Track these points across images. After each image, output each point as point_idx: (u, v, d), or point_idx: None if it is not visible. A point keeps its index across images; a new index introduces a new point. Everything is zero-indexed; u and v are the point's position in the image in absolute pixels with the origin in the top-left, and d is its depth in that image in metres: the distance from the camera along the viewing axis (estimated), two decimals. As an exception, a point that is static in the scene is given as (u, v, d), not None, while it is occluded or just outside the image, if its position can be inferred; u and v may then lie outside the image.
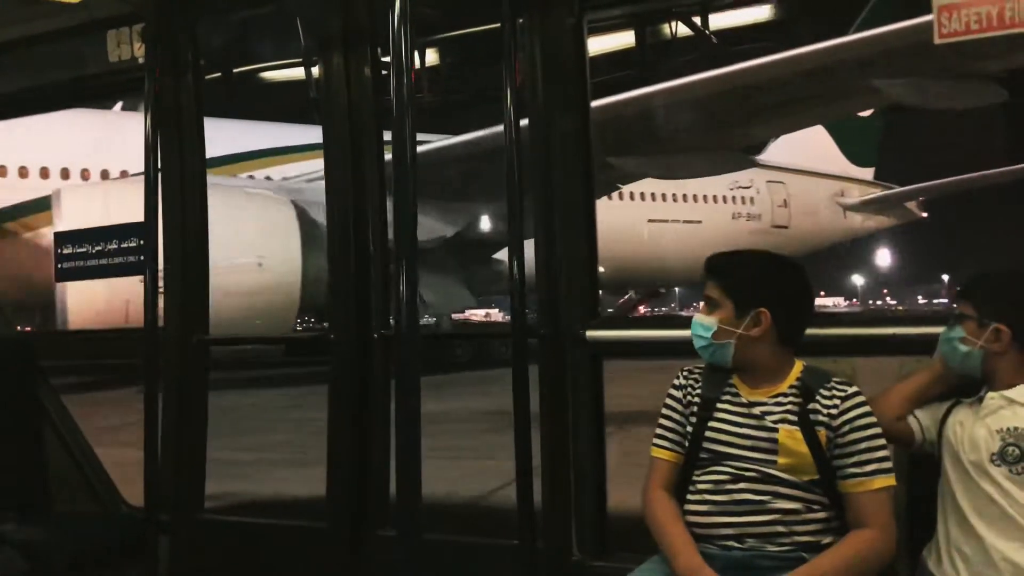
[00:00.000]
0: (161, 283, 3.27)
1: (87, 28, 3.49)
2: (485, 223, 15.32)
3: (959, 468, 1.91)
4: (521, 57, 2.72)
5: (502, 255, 15.92)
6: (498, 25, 2.58)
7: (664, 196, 20.02)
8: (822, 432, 1.90)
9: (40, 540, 3.05)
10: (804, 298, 2.07)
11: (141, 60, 3.35)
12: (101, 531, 3.39)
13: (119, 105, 20.24)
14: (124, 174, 16.34)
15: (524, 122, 2.72)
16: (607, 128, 12.45)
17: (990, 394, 1.94)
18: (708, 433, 1.99)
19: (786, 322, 1.99)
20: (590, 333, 2.67)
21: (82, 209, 12.13)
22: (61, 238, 3.61)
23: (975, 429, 1.91)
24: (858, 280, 65.71)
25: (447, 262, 15.01)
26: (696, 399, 2.04)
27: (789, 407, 1.94)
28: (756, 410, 1.96)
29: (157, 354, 3.25)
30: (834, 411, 1.91)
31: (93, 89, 3.95)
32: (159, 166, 3.25)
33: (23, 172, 15.62)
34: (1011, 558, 1.79)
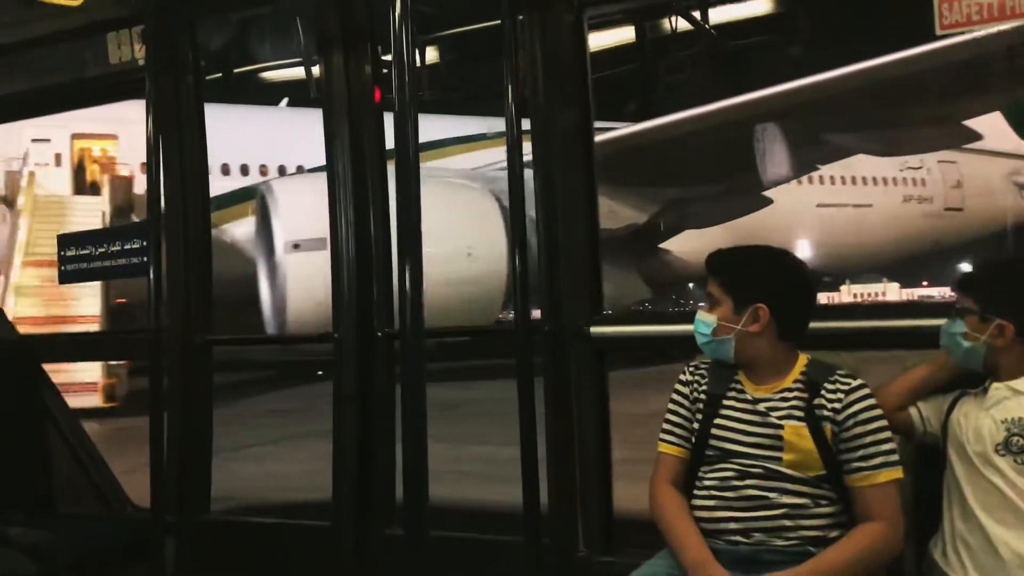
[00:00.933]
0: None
1: (87, 30, 3.49)
2: (658, 210, 14.90)
3: (964, 459, 1.90)
4: (522, 54, 2.72)
5: (669, 245, 15.84)
6: (498, 22, 2.58)
7: (832, 179, 18.68)
8: (828, 427, 1.89)
9: (46, 542, 3.05)
10: (803, 292, 2.06)
11: (142, 62, 3.36)
12: (107, 532, 3.40)
13: (284, 101, 20.58)
14: (300, 168, 16.47)
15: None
16: (828, 103, 12.36)
17: (995, 384, 1.93)
18: (714, 430, 1.98)
19: (786, 317, 1.98)
20: (594, 329, 2.68)
21: (295, 201, 12.36)
22: (64, 240, 3.61)
23: (980, 420, 1.91)
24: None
25: (619, 253, 14.53)
26: (702, 395, 2.03)
27: (794, 402, 1.93)
28: (761, 406, 1.96)
29: (161, 355, 3.26)
30: (838, 405, 1.90)
31: (94, 91, 3.95)
32: (161, 167, 3.25)
33: (225, 169, 15.88)
34: (1016, 548, 1.79)
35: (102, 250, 3.48)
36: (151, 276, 3.20)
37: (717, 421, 1.98)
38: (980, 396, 1.96)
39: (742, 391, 2.00)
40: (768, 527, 1.88)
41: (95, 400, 10.68)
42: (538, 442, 2.60)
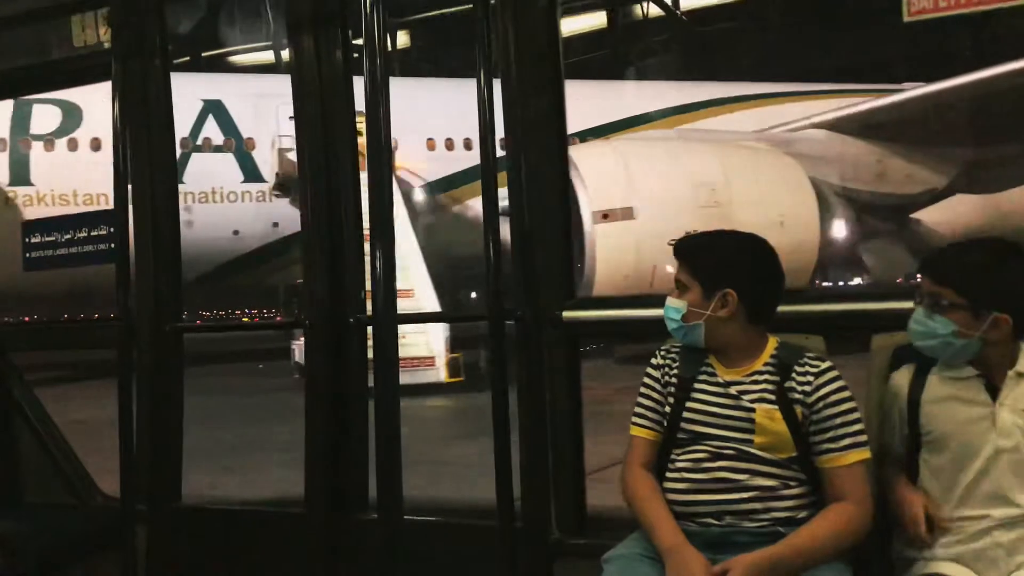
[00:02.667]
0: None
1: (50, 12, 3.42)
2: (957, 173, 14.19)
3: (974, 451, 1.84)
4: (495, 38, 2.71)
5: (921, 214, 15.23)
6: (471, 6, 2.57)
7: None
8: (798, 409, 1.92)
9: (13, 533, 3.02)
10: (771, 276, 2.07)
11: (107, 44, 3.30)
12: (77, 522, 3.36)
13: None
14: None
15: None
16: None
17: (1009, 373, 1.85)
18: (686, 413, 2.00)
19: (754, 301, 2.00)
20: (567, 314, 2.68)
21: (598, 170, 12.16)
22: (28, 227, 3.55)
23: (1000, 414, 1.83)
24: None
25: (873, 222, 14.24)
26: (674, 379, 2.05)
27: (765, 385, 1.96)
28: (733, 389, 1.98)
29: (131, 343, 3.22)
30: (808, 388, 1.93)
31: (59, 75, 3.88)
32: (128, 153, 3.20)
33: (449, 144, 15.78)
34: None
35: (68, 237, 3.43)
36: (118, 263, 3.16)
37: (689, 404, 2.00)
38: (973, 384, 1.88)
39: (713, 374, 2.02)
40: (739, 509, 1.91)
41: (438, 375, 10.41)
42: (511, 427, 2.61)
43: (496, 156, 2.62)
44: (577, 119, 16.38)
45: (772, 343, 2.03)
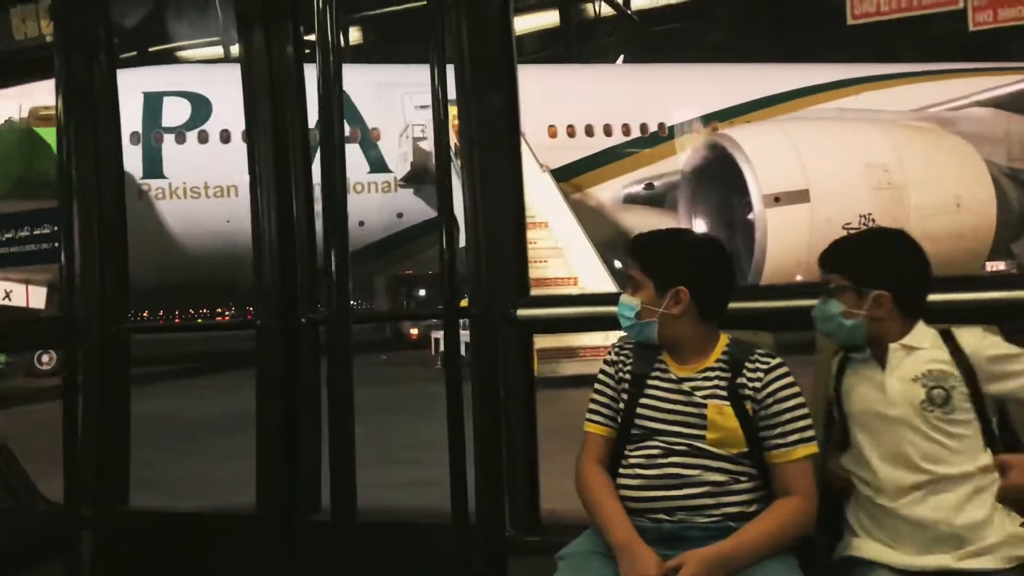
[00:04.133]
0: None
1: (-11, 3, 3.33)
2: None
3: (869, 426, 1.96)
4: (448, 35, 2.70)
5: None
6: (425, 3, 2.56)
7: None
8: (749, 405, 1.95)
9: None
10: (722, 273, 2.11)
11: (50, 38, 3.21)
12: (18, 528, 3.28)
13: (621, 58, 19.52)
14: (662, 127, 15.97)
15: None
16: None
17: (892, 345, 1.99)
18: (639, 410, 2.02)
19: (706, 298, 2.03)
20: (521, 312, 2.69)
21: (767, 151, 11.61)
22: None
23: (890, 385, 1.96)
24: None
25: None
26: (627, 375, 2.06)
27: (717, 382, 1.98)
28: (686, 386, 2.00)
29: (77, 345, 3.15)
30: (758, 384, 1.96)
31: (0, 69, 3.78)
32: (73, 148, 3.13)
33: (570, 131, 15.33)
34: (965, 519, 1.84)
35: (9, 235, 3.33)
36: (63, 262, 3.09)
37: (642, 401, 2.02)
38: (869, 362, 2.01)
39: (666, 371, 2.04)
40: (691, 505, 1.92)
41: None
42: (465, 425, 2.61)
43: (451, 153, 2.61)
44: (696, 102, 16.03)
45: (723, 340, 2.06)
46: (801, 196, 11.35)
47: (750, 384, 1.96)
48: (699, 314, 2.03)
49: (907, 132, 12.35)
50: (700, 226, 12.77)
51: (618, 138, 15.79)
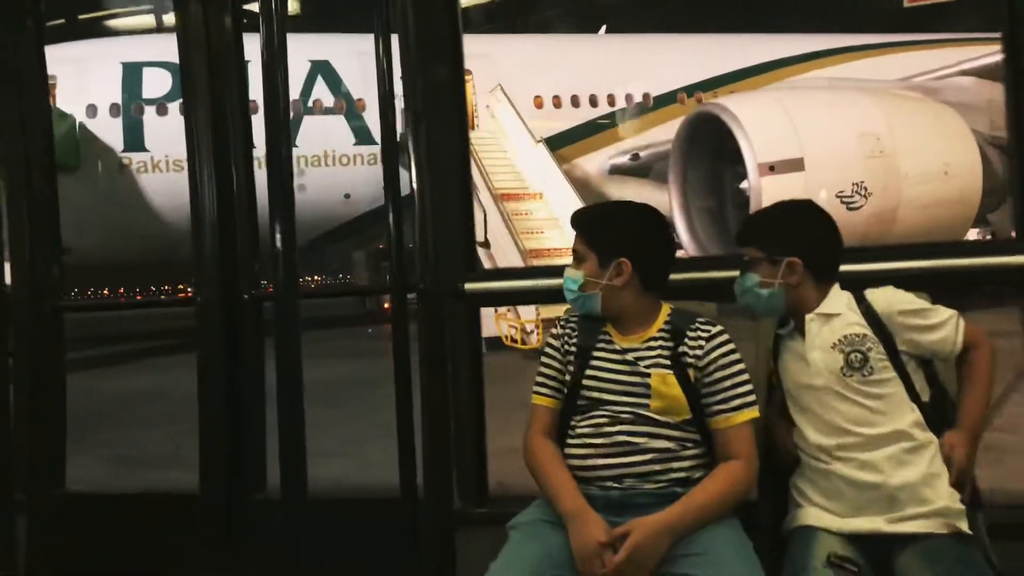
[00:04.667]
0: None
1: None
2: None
3: (804, 397, 2.01)
4: (392, 7, 2.66)
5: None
6: None
7: None
8: (691, 372, 1.98)
9: None
10: (663, 245, 2.14)
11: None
12: None
13: (604, 28, 18.97)
14: (647, 97, 15.79)
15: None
16: None
17: (808, 316, 2.05)
18: (585, 380, 2.04)
19: (647, 269, 2.06)
20: (469, 286, 2.69)
21: (761, 120, 11.45)
22: None
23: (811, 356, 2.01)
24: None
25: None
26: (573, 348, 2.09)
27: (660, 351, 2.02)
28: (630, 356, 2.03)
29: (7, 323, 3.04)
30: (700, 352, 1.99)
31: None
32: None
33: (556, 101, 15.20)
34: (902, 479, 1.89)
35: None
36: None
37: (588, 372, 2.04)
38: (793, 335, 2.08)
39: (611, 342, 2.07)
40: (638, 472, 1.96)
41: None
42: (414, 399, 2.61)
43: (396, 125, 2.58)
44: (680, 73, 16.07)
45: (666, 310, 2.09)
46: (796, 165, 11.44)
47: (691, 352, 2.00)
48: (641, 285, 2.06)
49: (897, 101, 12.46)
50: (692, 195, 12.86)
51: (603, 109, 15.85)
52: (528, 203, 12.89)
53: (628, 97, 15.96)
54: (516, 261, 11.09)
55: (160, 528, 3.02)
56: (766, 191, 11.24)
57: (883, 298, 2.03)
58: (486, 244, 12.34)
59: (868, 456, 1.91)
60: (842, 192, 11.32)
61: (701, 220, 12.72)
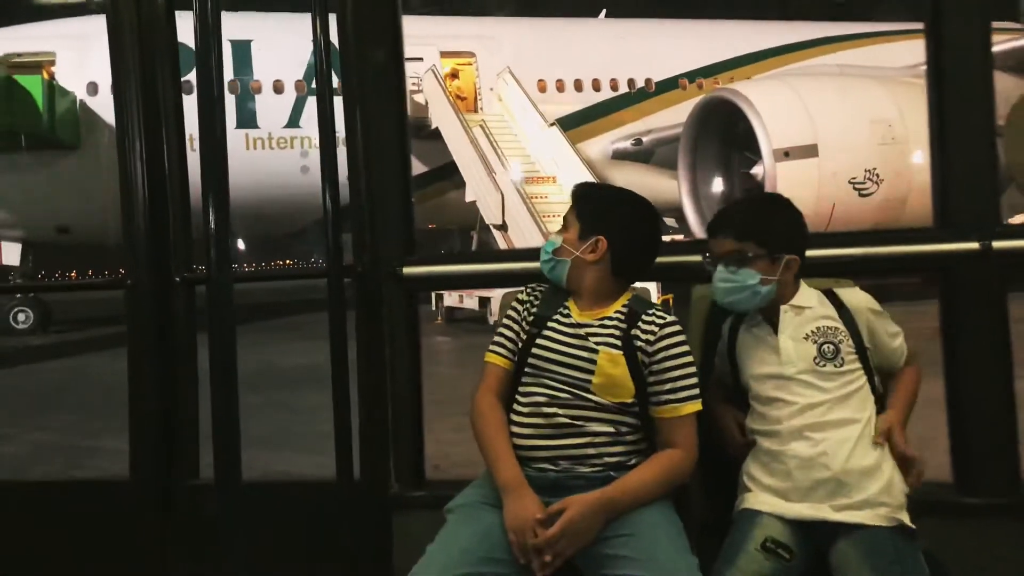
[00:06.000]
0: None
1: None
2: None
3: (771, 384, 2.05)
4: None
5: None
6: None
7: None
8: (640, 356, 2.02)
9: None
10: (645, 238, 2.17)
11: None
12: None
13: (603, 12, 18.17)
14: (649, 82, 15.69)
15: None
16: None
17: (782, 308, 2.09)
18: (535, 349, 2.07)
19: (623, 255, 2.10)
20: (407, 270, 2.67)
21: (775, 105, 11.23)
22: None
23: (784, 345, 2.05)
24: None
25: None
26: (532, 315, 2.13)
27: (612, 330, 2.05)
28: (582, 331, 2.06)
29: None
30: (651, 337, 2.03)
31: None
32: None
33: (559, 85, 15.10)
34: (854, 465, 1.94)
35: None
36: None
37: (539, 341, 2.08)
38: (760, 325, 2.11)
39: (568, 315, 2.11)
40: (574, 455, 1.98)
41: None
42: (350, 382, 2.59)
43: (333, 106, 2.55)
44: (681, 58, 16.18)
45: (627, 295, 2.13)
46: (810, 151, 11.51)
47: (643, 336, 2.03)
48: (612, 268, 2.10)
49: (907, 88, 12.59)
50: (700, 181, 12.91)
51: (606, 93, 16.01)
52: (541, 186, 12.87)
53: (630, 82, 16.13)
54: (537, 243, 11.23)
55: (90, 516, 2.93)
56: (781, 177, 11.36)
57: (853, 296, 2.10)
58: (504, 227, 12.27)
59: (823, 437, 1.96)
60: (855, 179, 11.54)
61: (710, 205, 12.76)
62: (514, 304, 2.19)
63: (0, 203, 13.26)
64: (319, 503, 2.72)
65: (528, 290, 2.20)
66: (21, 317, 14.04)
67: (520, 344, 2.11)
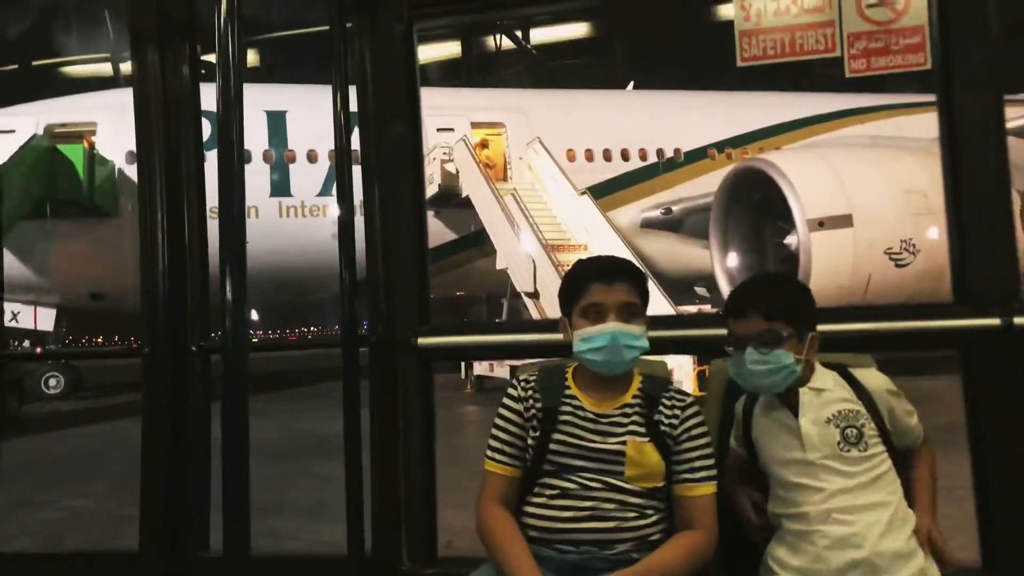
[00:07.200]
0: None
1: None
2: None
3: (794, 469, 1.97)
4: (351, 61, 2.68)
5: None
6: (327, 27, 2.54)
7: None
8: (667, 441, 1.97)
9: None
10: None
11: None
12: None
13: (631, 84, 19.01)
14: (677, 152, 16.01)
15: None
16: None
17: (801, 390, 2.01)
18: (553, 445, 1.98)
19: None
20: (421, 340, 2.66)
21: (808, 176, 11.38)
22: None
23: (806, 430, 1.98)
24: None
25: None
26: (538, 411, 2.03)
27: (635, 418, 1.99)
28: (604, 423, 1.99)
29: None
30: (675, 421, 1.98)
31: None
32: None
33: (588, 155, 15.64)
34: (885, 547, 1.86)
35: None
36: None
37: (556, 436, 1.98)
38: (778, 408, 2.03)
39: (580, 407, 2.02)
40: (599, 539, 1.92)
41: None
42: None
43: (352, 180, 2.59)
44: (709, 129, 16.45)
45: (638, 376, 2.07)
46: (844, 221, 11.42)
47: (667, 420, 1.98)
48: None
49: (939, 159, 12.84)
50: (732, 251, 12.92)
51: (635, 163, 16.17)
52: (572, 254, 12.96)
53: (659, 152, 16.33)
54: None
55: None
56: (816, 247, 11.22)
57: (871, 378, 2.03)
58: (535, 295, 12.34)
59: (854, 519, 1.89)
60: (890, 249, 11.31)
61: (742, 275, 12.54)
62: (507, 403, 2.07)
63: (39, 269, 13.59)
64: None
65: (522, 385, 2.08)
66: (52, 382, 14.25)
67: (528, 443, 2.02)
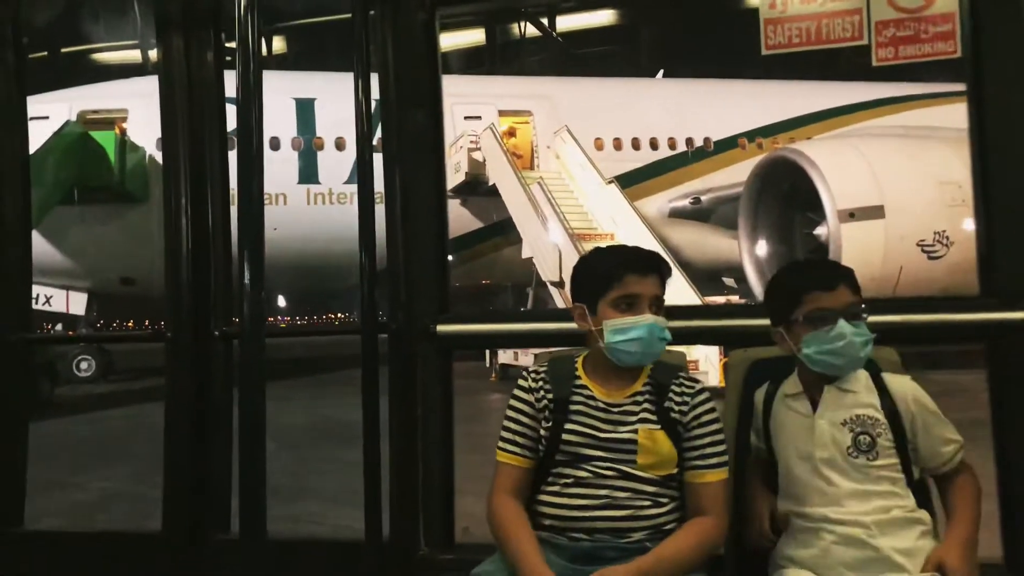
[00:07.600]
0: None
1: None
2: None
3: (802, 464, 1.95)
4: (373, 49, 2.68)
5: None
6: (349, 15, 2.54)
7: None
8: (678, 428, 1.96)
9: None
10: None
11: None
12: None
13: (660, 72, 19.17)
14: (707, 141, 16.00)
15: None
16: None
17: (826, 387, 1.98)
18: (565, 435, 1.99)
19: None
20: (440, 327, 2.67)
21: (839, 166, 11.36)
22: None
23: (819, 426, 1.95)
24: None
25: None
26: (549, 402, 2.03)
27: (646, 406, 1.99)
28: (615, 412, 1.99)
29: None
30: (685, 408, 1.98)
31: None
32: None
33: (616, 144, 15.75)
34: (893, 544, 1.83)
35: None
36: None
37: (568, 427, 1.98)
38: (800, 400, 2.00)
39: (591, 396, 2.02)
40: (613, 527, 1.92)
41: (707, 380, 9.54)
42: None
43: (373, 168, 2.59)
44: (740, 118, 16.36)
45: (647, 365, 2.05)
46: (876, 212, 11.29)
47: (677, 408, 1.98)
48: None
49: None
50: (761, 241, 12.82)
51: (664, 152, 16.10)
52: (601, 243, 12.96)
53: (689, 141, 16.18)
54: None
55: (121, 567, 2.95)
56: (846, 238, 11.11)
57: (902, 386, 1.97)
58: (560, 283, 12.34)
59: (862, 518, 1.86)
60: (923, 241, 11.20)
61: (771, 266, 12.54)
62: (519, 394, 2.07)
63: (71, 254, 13.79)
64: (346, 563, 2.69)
65: (532, 376, 2.09)
66: (83, 365, 14.51)
67: (542, 434, 2.01)
